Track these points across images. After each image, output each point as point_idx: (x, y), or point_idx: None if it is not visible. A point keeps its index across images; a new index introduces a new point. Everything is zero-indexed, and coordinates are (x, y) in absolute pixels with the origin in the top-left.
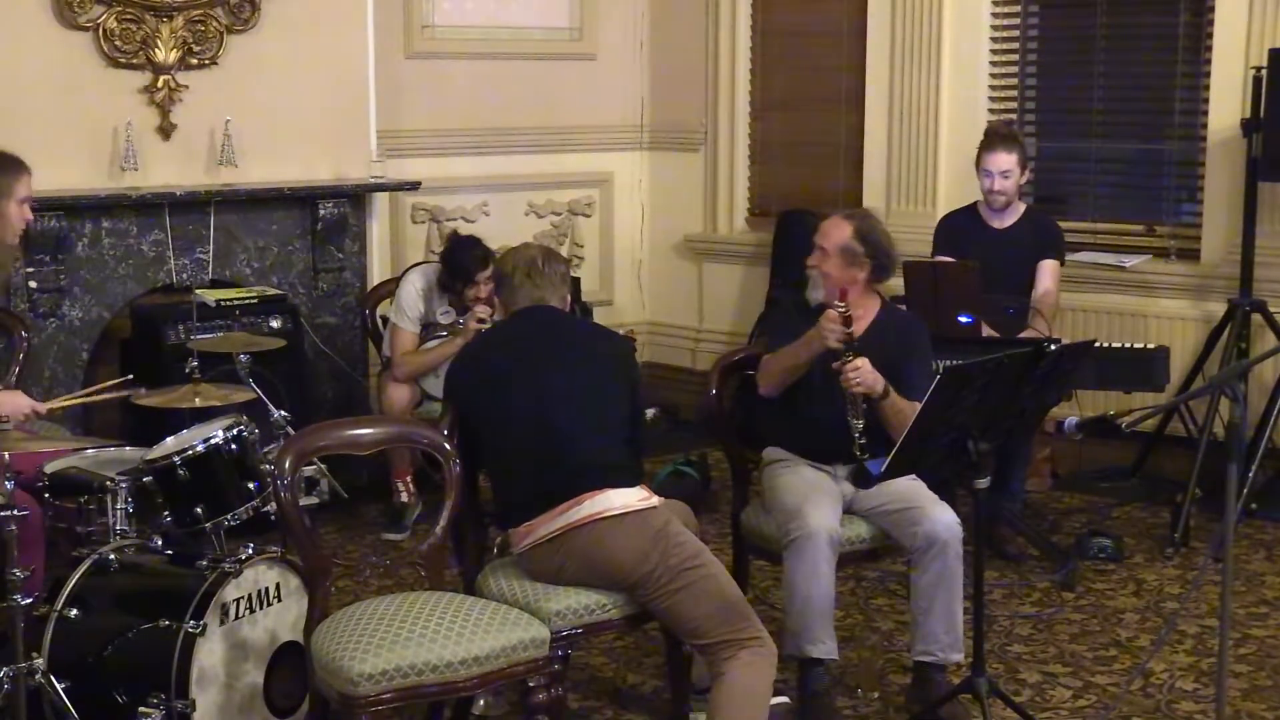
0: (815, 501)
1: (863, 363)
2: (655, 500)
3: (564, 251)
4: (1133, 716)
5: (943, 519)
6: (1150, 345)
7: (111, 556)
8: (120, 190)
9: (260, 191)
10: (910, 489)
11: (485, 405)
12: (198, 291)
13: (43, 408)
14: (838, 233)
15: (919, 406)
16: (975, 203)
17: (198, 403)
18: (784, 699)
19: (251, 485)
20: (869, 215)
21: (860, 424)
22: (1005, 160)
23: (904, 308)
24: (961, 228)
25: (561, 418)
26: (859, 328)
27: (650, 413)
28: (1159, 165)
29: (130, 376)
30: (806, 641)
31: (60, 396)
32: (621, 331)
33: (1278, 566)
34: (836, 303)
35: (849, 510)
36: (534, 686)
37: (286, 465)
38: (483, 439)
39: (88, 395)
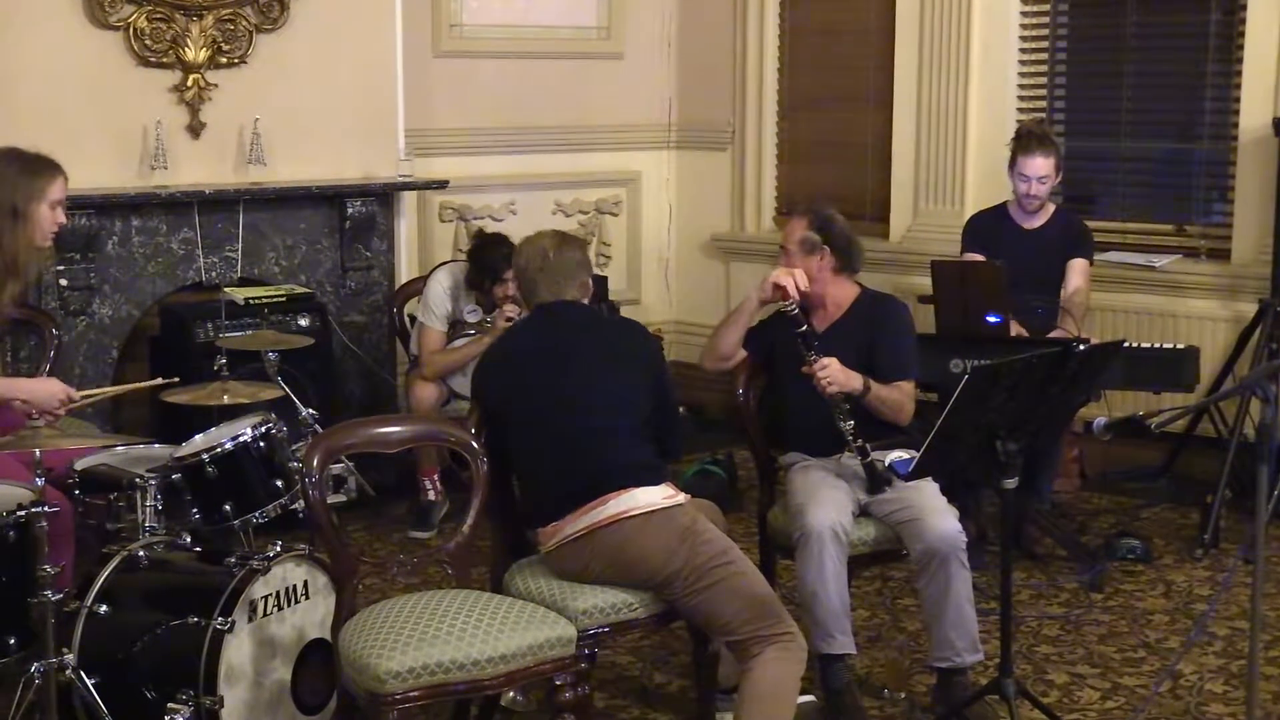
0: (819, 499)
1: (830, 362)
2: (682, 498)
3: (591, 250)
4: (1161, 719)
5: (941, 530)
6: (1180, 345)
7: (141, 553)
8: (150, 189)
9: (289, 190)
10: (917, 496)
11: (511, 404)
12: (226, 290)
13: (76, 394)
14: (795, 228)
15: (907, 387)
16: (1004, 203)
17: (226, 400)
18: (811, 698)
19: (279, 483)
20: (826, 208)
21: (850, 424)
22: (1043, 165)
23: (885, 294)
24: (990, 227)
25: (585, 417)
26: (832, 316)
27: None
28: (1189, 165)
29: (160, 380)
30: (819, 638)
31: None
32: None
33: None
34: (782, 302)
35: (865, 513)
36: (560, 685)
37: (314, 463)
38: (509, 438)
39: (121, 389)
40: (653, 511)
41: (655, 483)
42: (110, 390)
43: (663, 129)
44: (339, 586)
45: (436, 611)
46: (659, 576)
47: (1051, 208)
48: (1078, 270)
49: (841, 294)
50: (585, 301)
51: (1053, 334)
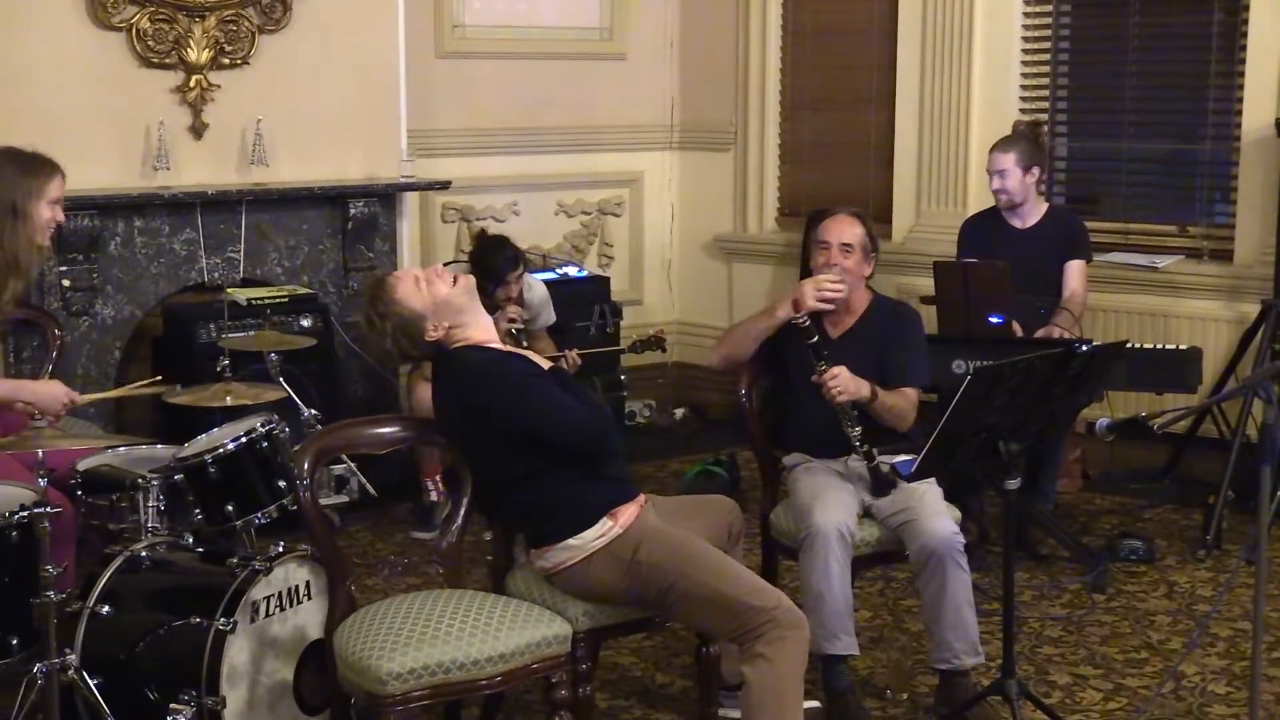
0: (824, 500)
1: (840, 371)
2: (618, 527)
3: (594, 251)
4: None
5: (938, 531)
6: (1182, 346)
7: (143, 554)
8: (152, 189)
9: (291, 191)
10: (916, 498)
11: None
12: (229, 290)
13: (79, 397)
14: (855, 229)
15: (912, 394)
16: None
17: (229, 401)
18: (815, 703)
19: (282, 483)
20: (863, 213)
21: (858, 430)
22: (1000, 160)
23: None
24: (985, 228)
25: (491, 484)
26: (848, 322)
27: (679, 412)
28: (1192, 165)
29: (160, 378)
30: (823, 639)
31: (92, 394)
32: (650, 331)
33: None
34: (794, 316)
35: (866, 514)
36: (555, 683)
37: (305, 465)
38: None
39: (122, 391)
40: (593, 555)
41: (584, 526)
42: (112, 393)
43: (665, 130)
44: (331, 587)
45: (434, 612)
46: (629, 600)
47: (1045, 206)
48: (1075, 273)
49: (857, 300)
50: (457, 335)
51: (1039, 332)
